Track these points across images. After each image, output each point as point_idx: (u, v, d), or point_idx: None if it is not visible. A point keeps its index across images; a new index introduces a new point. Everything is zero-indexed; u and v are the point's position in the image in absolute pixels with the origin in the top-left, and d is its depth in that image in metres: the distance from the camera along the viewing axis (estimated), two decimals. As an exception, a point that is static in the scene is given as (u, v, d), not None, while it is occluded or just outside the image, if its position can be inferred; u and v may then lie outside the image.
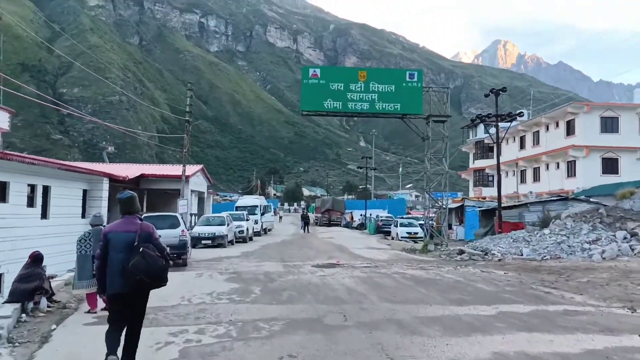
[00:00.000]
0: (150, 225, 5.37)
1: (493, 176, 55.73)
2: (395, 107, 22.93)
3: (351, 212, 53.98)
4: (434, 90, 23.96)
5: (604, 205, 28.39)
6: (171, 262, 5.88)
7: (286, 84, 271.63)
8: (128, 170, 32.21)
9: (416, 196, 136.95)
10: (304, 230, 39.88)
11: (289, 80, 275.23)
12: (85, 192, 24.63)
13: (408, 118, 23.65)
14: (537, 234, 19.69)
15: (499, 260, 17.30)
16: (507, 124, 54.29)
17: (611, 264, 14.84)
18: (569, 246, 17.94)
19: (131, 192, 5.54)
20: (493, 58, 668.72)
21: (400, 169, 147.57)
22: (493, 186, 55.67)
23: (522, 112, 26.36)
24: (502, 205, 35.25)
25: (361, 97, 22.73)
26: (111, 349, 5.00)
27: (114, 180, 26.72)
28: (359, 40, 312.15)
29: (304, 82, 23.02)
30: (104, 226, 8.39)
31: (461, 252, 18.76)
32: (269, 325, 7.59)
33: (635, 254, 16.72)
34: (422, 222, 44.59)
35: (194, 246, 22.30)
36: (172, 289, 10.65)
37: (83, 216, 23.54)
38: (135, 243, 5.03)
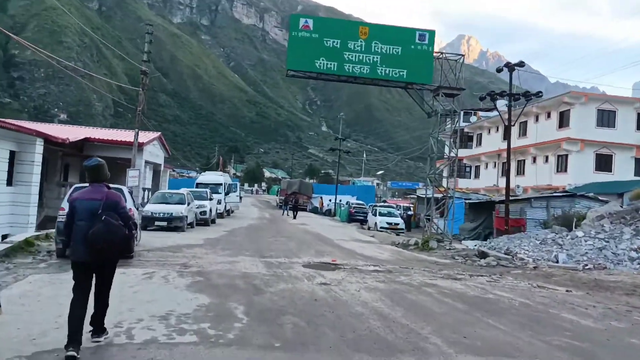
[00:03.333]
0: (117, 194, 5.30)
1: (471, 167, 53.05)
2: (401, 73, 19.00)
3: (321, 197, 50.20)
4: (446, 57, 20.13)
5: (607, 202, 25.63)
6: (135, 232, 5.45)
7: (250, 62, 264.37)
8: (70, 133, 27.32)
9: (377, 184, 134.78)
10: (294, 216, 35.70)
11: (253, 58, 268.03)
12: (12, 154, 19.83)
13: (413, 88, 19.81)
14: (567, 235, 16.33)
15: (534, 267, 13.78)
16: (489, 113, 51.59)
17: (691, 283, 11.49)
18: (613, 254, 14.61)
19: (99, 159, 5.36)
20: (457, 52, 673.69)
21: (364, 156, 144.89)
22: (470, 177, 53.00)
23: (540, 93, 23.00)
24: (493, 199, 32.19)
25: (361, 58, 18.68)
26: (72, 329, 4.75)
27: (50, 142, 21.94)
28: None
29: (292, 35, 18.75)
30: None
31: (483, 254, 15.16)
32: None
33: (699, 269, 13.51)
34: (401, 211, 41.56)
35: (144, 228, 18.04)
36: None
37: (9, 183, 18.91)
38: (99, 211, 4.92)
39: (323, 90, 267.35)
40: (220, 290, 8.43)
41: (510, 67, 21.58)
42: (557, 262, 14.54)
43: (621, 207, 17.68)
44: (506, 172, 23.31)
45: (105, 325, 5.35)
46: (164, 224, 18.97)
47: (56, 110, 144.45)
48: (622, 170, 35.55)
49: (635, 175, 35.44)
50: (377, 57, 18.76)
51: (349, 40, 18.67)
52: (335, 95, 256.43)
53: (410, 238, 22.42)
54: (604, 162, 36.19)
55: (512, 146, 43.70)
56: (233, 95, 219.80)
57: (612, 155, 36.23)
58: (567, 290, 10.43)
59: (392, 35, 19.21)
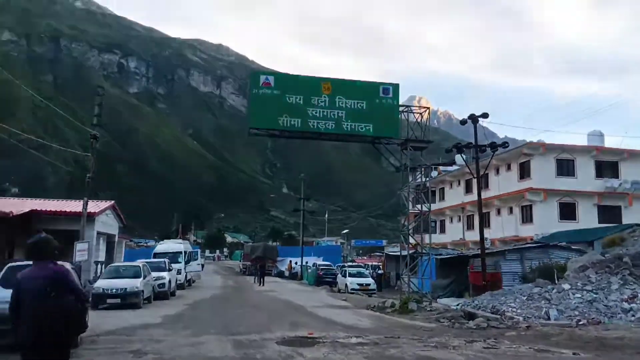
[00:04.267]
0: (65, 268, 5.04)
1: (436, 221, 52.65)
2: (367, 128, 18.37)
3: (290, 260, 48.54)
4: (412, 111, 19.70)
5: (581, 251, 25.18)
6: (88, 305, 5.29)
7: (209, 129, 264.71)
8: (16, 206, 25.39)
9: (341, 243, 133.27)
10: (259, 282, 33.76)
11: (211, 125, 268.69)
12: (-54, 232, 17.96)
13: (381, 142, 19.16)
14: (552, 289, 15.46)
15: (527, 327, 12.73)
16: (450, 168, 51.87)
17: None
18: (605, 306, 13.77)
19: (43, 235, 5.04)
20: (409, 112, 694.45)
21: (327, 215, 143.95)
22: (436, 232, 52.47)
23: (507, 143, 22.81)
24: (466, 253, 31.43)
25: (325, 113, 17.99)
26: None
27: (-8, 217, 20.15)
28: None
29: (252, 92, 17.98)
30: None
31: (470, 315, 14.04)
32: None
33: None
34: (370, 270, 40.32)
35: (95, 306, 16.28)
36: None
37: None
38: (47, 289, 4.62)
39: (282, 153, 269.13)
40: (182, 384, 6.99)
41: (474, 118, 21.34)
42: (549, 318, 13.57)
43: (603, 256, 17.04)
44: (479, 225, 22.59)
45: None
46: (118, 301, 17.14)
47: (7, 184, 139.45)
48: (586, 218, 35.65)
49: (599, 222, 35.55)
50: (342, 112, 18.14)
51: (312, 96, 18.03)
52: (294, 157, 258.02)
53: (386, 300, 21.14)
54: (568, 211, 36.28)
55: (475, 199, 43.98)
56: (192, 162, 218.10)
57: (575, 203, 36.42)
58: (574, 354, 9.37)
59: (356, 89, 18.72)
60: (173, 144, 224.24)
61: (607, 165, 37.44)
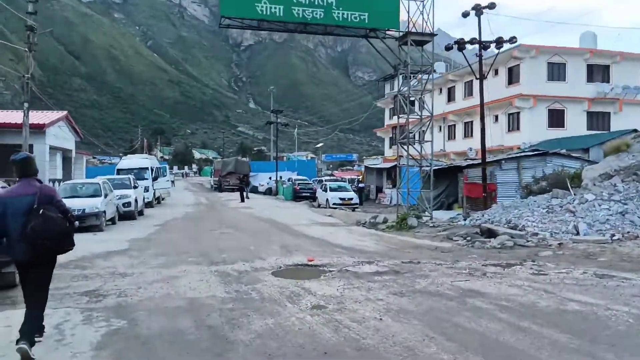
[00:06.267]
0: (52, 187, 5.13)
1: (415, 132, 50.86)
2: (362, 17, 15.62)
3: (281, 176, 46.55)
4: (414, -3, 16.79)
5: (581, 159, 23.74)
6: (77, 223, 5.08)
7: (169, 41, 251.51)
8: (-50, 119, 22.13)
9: (311, 157, 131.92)
10: (242, 198, 31.61)
11: (171, 36, 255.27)
12: None
13: (377, 35, 16.43)
14: (574, 200, 13.70)
15: (560, 245, 10.98)
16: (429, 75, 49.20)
17: None
18: (640, 218, 12.10)
19: (27, 153, 5.08)
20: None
21: (296, 130, 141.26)
22: (414, 144, 50.82)
23: (515, 38, 20.18)
24: (458, 163, 29.73)
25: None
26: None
27: None
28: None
29: (225, -28, 14.83)
30: None
31: (490, 232, 12.18)
32: None
33: None
34: (353, 184, 38.72)
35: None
36: None
37: None
38: (35, 205, 4.54)
39: (248, 66, 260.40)
40: (155, 351, 4.81)
41: (478, 9, 18.65)
42: (577, 234, 11.87)
43: (618, 165, 15.26)
44: (481, 130, 20.63)
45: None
46: (75, 223, 14.76)
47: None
48: (574, 125, 34.18)
49: (588, 129, 34.23)
50: (332, -2, 15.26)
51: (296, -23, 15.02)
52: (260, 71, 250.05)
53: (377, 215, 19.38)
54: (557, 118, 34.65)
55: (458, 108, 42.02)
56: (153, 76, 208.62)
57: (564, 110, 34.73)
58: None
59: (349, -31, 15.68)
60: (132, 57, 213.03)
61: (598, 69, 35.49)
